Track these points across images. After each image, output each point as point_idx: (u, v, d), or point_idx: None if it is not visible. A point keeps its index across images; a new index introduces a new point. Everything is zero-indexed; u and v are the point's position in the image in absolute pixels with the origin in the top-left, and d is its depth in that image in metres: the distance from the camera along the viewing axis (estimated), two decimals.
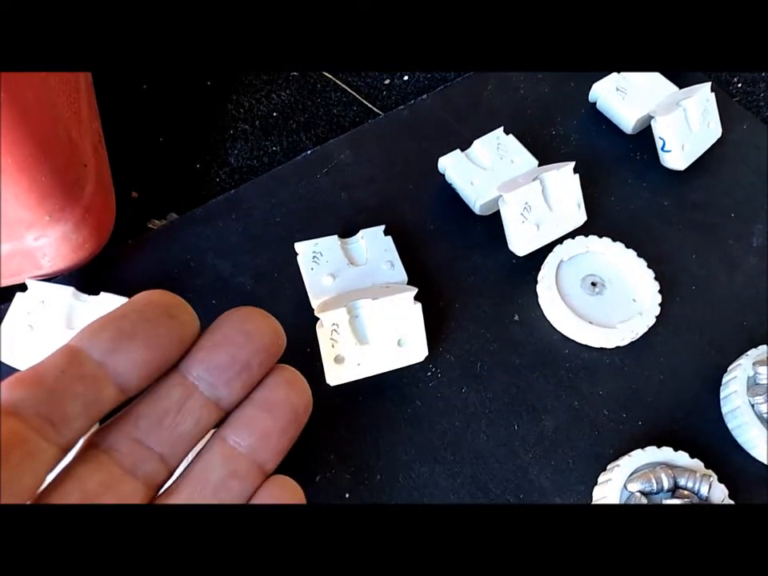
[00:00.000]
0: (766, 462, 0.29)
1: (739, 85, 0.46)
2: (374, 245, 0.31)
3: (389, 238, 0.32)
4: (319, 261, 0.30)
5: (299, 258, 0.30)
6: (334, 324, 0.27)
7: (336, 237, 0.31)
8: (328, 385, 0.28)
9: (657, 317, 0.32)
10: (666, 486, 0.27)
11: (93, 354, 0.13)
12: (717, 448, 0.30)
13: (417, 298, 0.30)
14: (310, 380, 0.29)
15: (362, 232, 0.32)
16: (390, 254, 0.31)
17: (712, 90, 0.38)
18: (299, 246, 0.30)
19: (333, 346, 0.27)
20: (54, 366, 0.13)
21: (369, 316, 0.28)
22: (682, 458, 0.28)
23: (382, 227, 0.32)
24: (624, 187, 0.38)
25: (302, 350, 0.30)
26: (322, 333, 0.27)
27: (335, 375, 0.27)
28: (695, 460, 0.28)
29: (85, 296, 0.27)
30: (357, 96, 0.39)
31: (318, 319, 0.27)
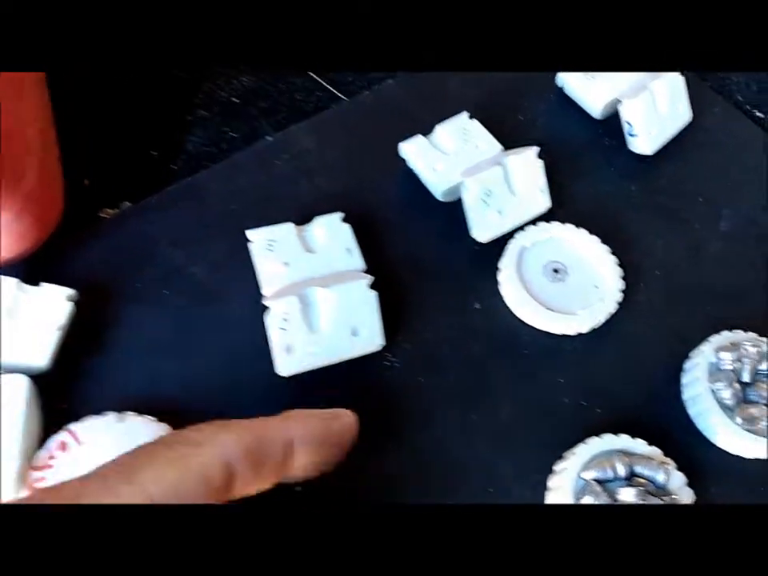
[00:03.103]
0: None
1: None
2: (331, 232, 0.31)
3: (347, 226, 0.31)
4: (273, 248, 0.29)
5: (251, 246, 0.30)
6: (284, 313, 0.27)
7: (291, 224, 0.30)
8: (279, 376, 0.27)
9: (619, 303, 0.32)
10: (621, 473, 0.26)
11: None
12: (678, 435, 0.30)
13: (375, 285, 0.29)
14: (262, 371, 0.28)
15: (318, 219, 0.31)
16: (347, 241, 0.31)
17: (681, 74, 0.38)
18: (251, 234, 0.30)
19: (283, 335, 0.27)
20: None
21: (321, 304, 0.27)
22: (639, 445, 0.28)
23: (340, 214, 0.31)
24: (591, 172, 0.37)
25: (257, 342, 0.29)
26: (271, 322, 0.27)
27: (286, 365, 0.27)
28: (653, 447, 0.28)
29: (27, 287, 0.27)
30: (321, 81, 0.39)
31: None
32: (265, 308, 0.28)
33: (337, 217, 0.31)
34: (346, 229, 0.31)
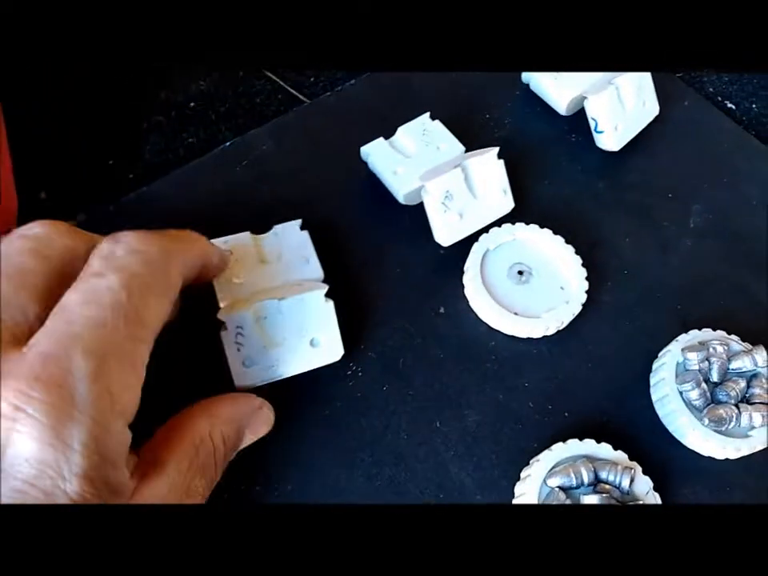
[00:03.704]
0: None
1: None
2: (289, 240, 0.30)
3: (305, 233, 0.30)
4: (229, 260, 0.29)
5: None
6: (238, 327, 0.26)
7: (248, 233, 0.30)
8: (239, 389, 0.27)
9: (586, 304, 0.31)
10: (585, 480, 0.26)
11: None
12: (648, 437, 0.29)
13: (337, 292, 0.29)
14: (220, 385, 0.28)
15: (275, 227, 0.30)
16: (305, 249, 0.30)
17: None
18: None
19: (239, 349, 0.26)
20: None
21: (277, 316, 0.27)
22: (604, 450, 0.27)
23: (299, 222, 0.31)
24: (558, 171, 0.36)
25: (216, 357, 0.28)
26: (226, 336, 0.26)
27: (243, 379, 0.26)
28: (618, 452, 0.27)
29: None
30: (282, 83, 0.38)
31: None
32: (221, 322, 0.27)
33: (295, 224, 0.31)
34: (305, 237, 0.30)
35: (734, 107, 0.44)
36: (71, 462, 0.15)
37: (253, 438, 0.25)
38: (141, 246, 0.19)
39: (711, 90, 0.44)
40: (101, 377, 0.17)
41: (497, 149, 0.32)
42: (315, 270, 0.29)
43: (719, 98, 0.44)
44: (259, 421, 0.25)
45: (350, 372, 0.30)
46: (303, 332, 0.27)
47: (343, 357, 0.28)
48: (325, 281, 0.31)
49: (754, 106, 0.44)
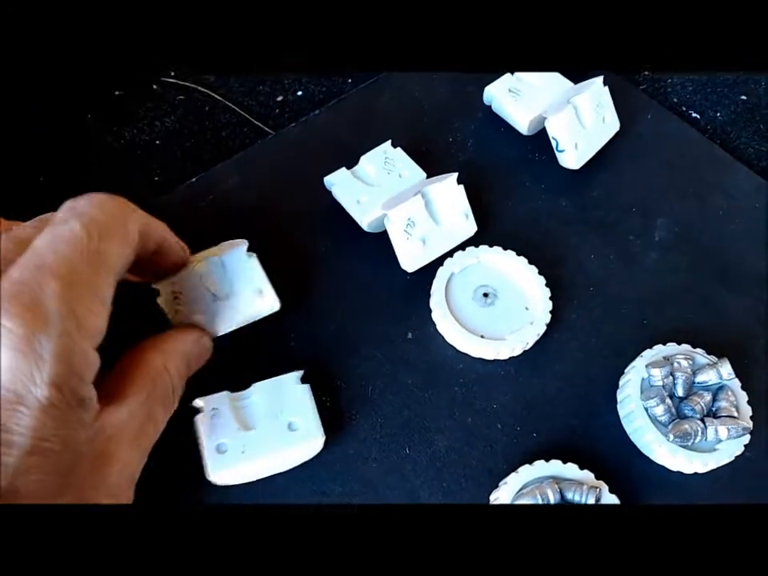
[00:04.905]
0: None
1: (646, 72, 0.46)
2: (237, 270, 0.28)
3: (254, 259, 0.29)
4: (181, 301, 0.28)
5: (159, 300, 0.28)
6: (214, 409, 0.27)
7: (191, 267, 0.28)
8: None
9: (552, 322, 0.31)
10: (552, 501, 0.26)
11: None
12: (616, 454, 0.30)
13: (304, 323, 0.29)
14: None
15: (219, 257, 0.29)
16: (257, 280, 0.28)
17: (605, 84, 0.37)
18: (159, 287, 0.28)
19: (213, 432, 0.27)
20: None
21: (251, 401, 0.28)
22: (570, 470, 0.27)
23: (245, 246, 0.29)
24: (522, 191, 0.37)
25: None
26: (201, 419, 0.27)
27: (218, 466, 0.26)
28: (585, 471, 0.27)
29: None
30: (247, 116, 0.38)
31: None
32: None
33: (241, 250, 0.29)
34: (253, 262, 0.29)
35: (698, 116, 0.44)
36: (42, 369, 0.18)
37: (196, 367, 0.26)
38: (100, 200, 0.22)
39: (675, 100, 0.45)
40: (68, 299, 0.19)
41: (456, 174, 0.32)
42: (270, 300, 0.28)
43: (683, 108, 0.45)
44: (200, 351, 0.27)
45: (317, 403, 0.30)
46: (279, 415, 0.27)
47: (312, 387, 0.29)
48: (292, 311, 0.31)
49: (718, 114, 0.45)
